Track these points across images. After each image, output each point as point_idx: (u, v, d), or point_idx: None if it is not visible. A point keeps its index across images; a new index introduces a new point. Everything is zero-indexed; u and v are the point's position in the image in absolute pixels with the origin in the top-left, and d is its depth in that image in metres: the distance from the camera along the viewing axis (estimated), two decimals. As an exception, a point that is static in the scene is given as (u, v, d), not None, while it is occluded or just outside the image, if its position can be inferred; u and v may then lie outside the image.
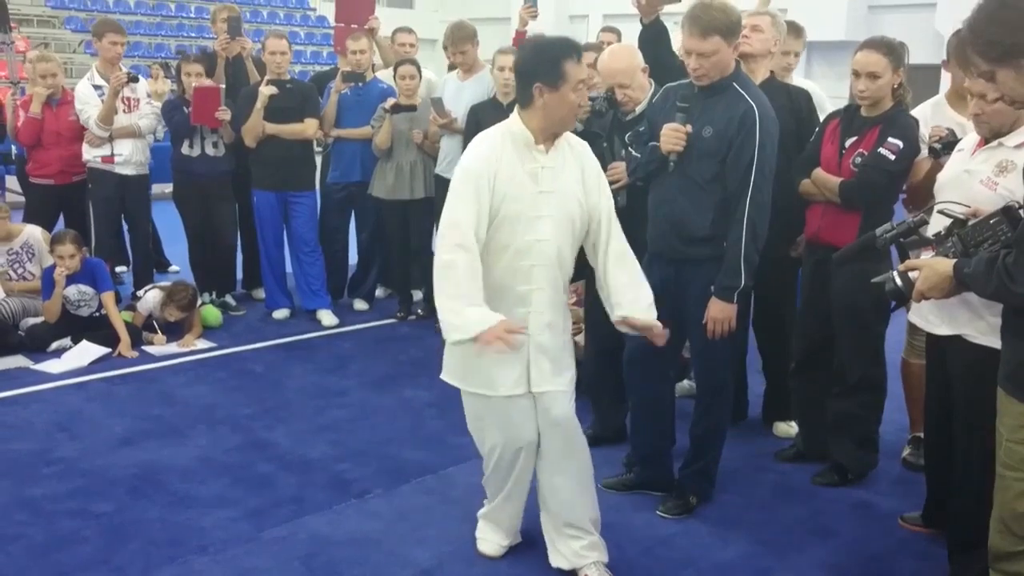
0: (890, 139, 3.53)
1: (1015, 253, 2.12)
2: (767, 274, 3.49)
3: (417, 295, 6.68)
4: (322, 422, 4.56)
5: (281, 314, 6.41)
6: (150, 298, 5.84)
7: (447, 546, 3.36)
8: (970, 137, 3.10)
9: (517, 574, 3.15)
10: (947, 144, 3.41)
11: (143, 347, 5.66)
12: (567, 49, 2.82)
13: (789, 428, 4.37)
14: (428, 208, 6.06)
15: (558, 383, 3.00)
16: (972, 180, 2.96)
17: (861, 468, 3.88)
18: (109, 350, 5.49)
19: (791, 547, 3.38)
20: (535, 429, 3.04)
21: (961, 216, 2.53)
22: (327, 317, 6.27)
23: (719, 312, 3.31)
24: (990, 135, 2.95)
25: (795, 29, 4.60)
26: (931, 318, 3.08)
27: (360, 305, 6.74)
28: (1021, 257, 2.11)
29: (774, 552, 3.34)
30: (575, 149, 3.00)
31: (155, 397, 4.90)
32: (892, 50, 3.58)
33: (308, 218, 6.22)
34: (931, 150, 3.50)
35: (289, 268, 6.43)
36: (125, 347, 5.52)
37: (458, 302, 2.77)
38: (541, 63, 2.82)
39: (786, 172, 3.76)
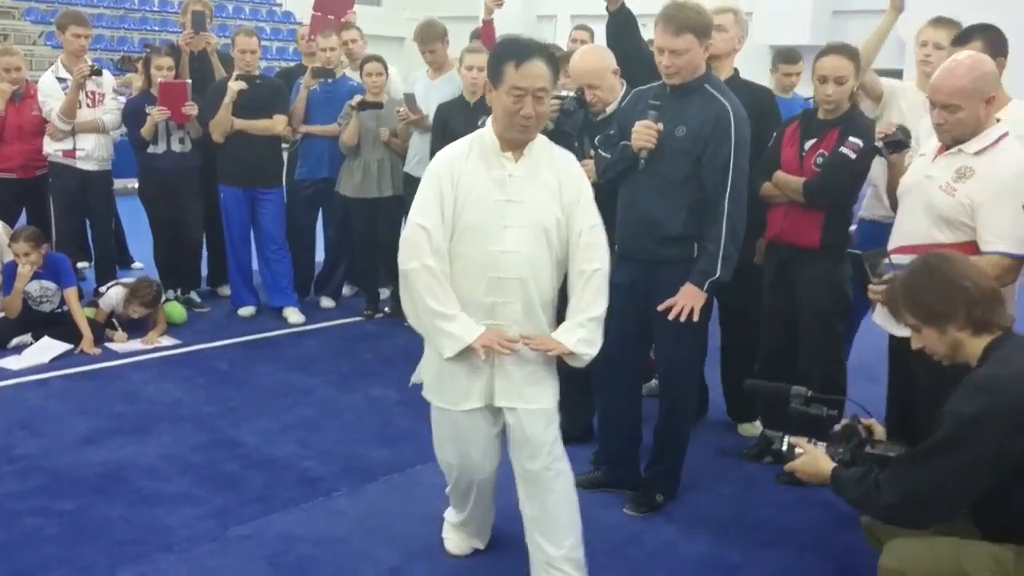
0: (850, 139, 3.60)
1: (888, 471, 2.31)
2: (734, 277, 3.52)
3: (384, 293, 6.66)
4: (288, 420, 4.54)
5: (247, 311, 6.36)
6: (113, 294, 5.77)
7: (414, 544, 3.36)
8: (932, 142, 3.16)
9: (484, 573, 3.16)
10: (895, 142, 3.47)
11: (106, 344, 5.59)
12: (511, 52, 2.71)
13: (753, 428, 4.43)
14: (397, 206, 6.04)
15: (531, 400, 2.84)
16: (932, 185, 3.02)
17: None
18: (71, 346, 5.42)
19: (756, 544, 3.42)
20: (492, 461, 2.98)
21: (858, 429, 2.62)
22: (293, 315, 6.24)
23: (689, 296, 3.33)
24: (952, 143, 3.01)
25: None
26: (895, 320, 3.13)
27: (327, 303, 6.71)
28: (893, 476, 2.28)
29: (740, 549, 3.38)
30: (555, 163, 2.84)
31: (118, 394, 4.84)
32: (855, 55, 3.67)
33: (275, 215, 6.18)
34: (878, 149, 3.56)
35: (255, 265, 6.39)
36: (87, 344, 5.45)
37: (445, 310, 2.72)
38: (490, 62, 2.79)
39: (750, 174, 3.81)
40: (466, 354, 2.75)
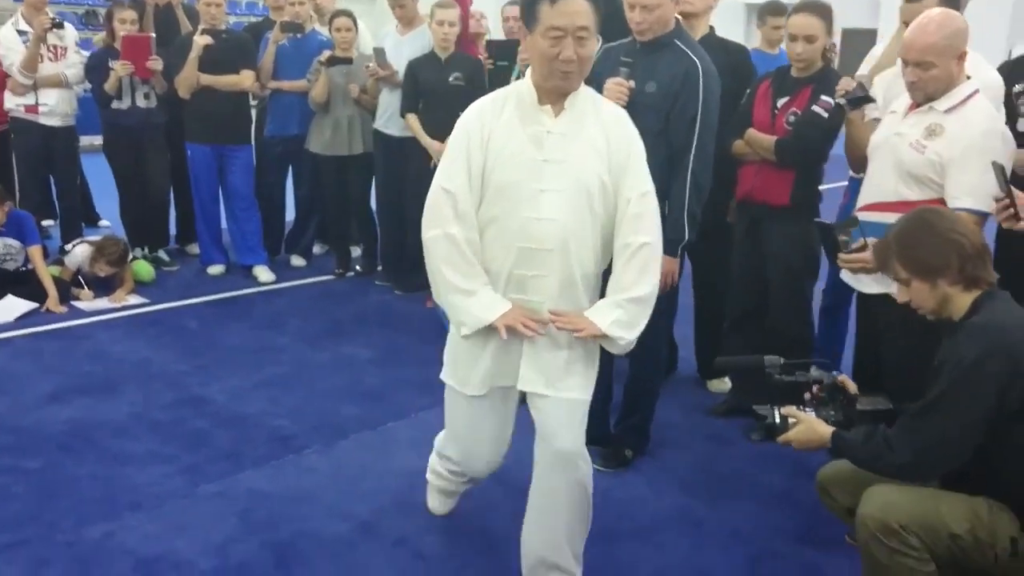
0: (823, 97, 3.59)
1: (895, 428, 2.32)
2: (706, 234, 3.53)
3: (355, 251, 6.62)
4: (258, 378, 4.52)
5: (216, 270, 6.31)
6: (79, 252, 5.69)
7: (386, 500, 3.37)
8: (903, 99, 3.16)
9: (454, 526, 3.17)
10: (856, 99, 3.46)
11: (72, 303, 5.52)
12: None
13: (723, 384, 4.47)
14: (366, 164, 6.00)
15: (561, 389, 2.53)
16: (902, 143, 3.02)
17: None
18: (36, 305, 5.35)
19: (724, 498, 3.46)
20: (497, 457, 2.76)
21: (852, 391, 2.65)
22: (263, 273, 6.19)
23: (663, 266, 3.33)
24: (924, 100, 3.01)
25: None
26: (862, 277, 3.15)
27: (297, 261, 6.66)
28: (902, 432, 2.30)
29: (707, 504, 3.42)
30: (603, 118, 2.49)
31: (85, 353, 4.80)
32: (826, 13, 3.66)
33: (244, 172, 6.11)
34: (836, 106, 3.55)
35: (224, 223, 6.31)
36: (53, 302, 5.38)
37: (466, 284, 2.45)
38: (523, 2, 2.47)
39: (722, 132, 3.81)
40: (486, 333, 2.50)
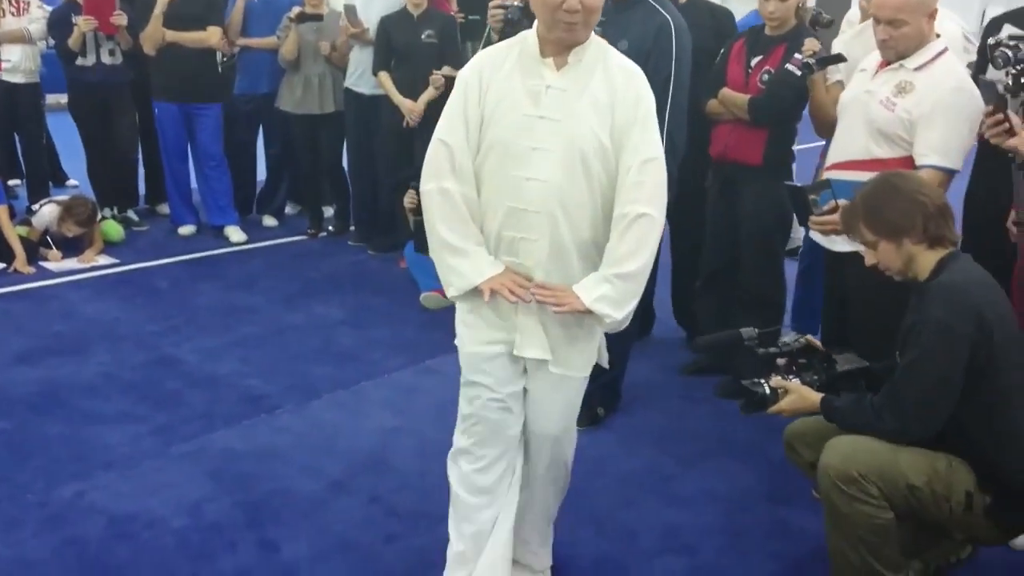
0: (796, 55, 3.59)
1: (880, 398, 2.36)
2: (683, 196, 3.52)
3: (328, 211, 6.57)
4: (230, 339, 4.50)
5: (187, 230, 6.24)
6: (46, 212, 5.61)
7: (358, 458, 3.38)
8: (872, 57, 3.16)
9: (429, 484, 3.19)
10: (824, 59, 3.47)
11: (40, 263, 5.45)
12: None
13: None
14: (338, 122, 5.93)
15: (557, 360, 2.38)
16: (872, 100, 3.03)
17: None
18: (3, 266, 5.28)
19: (695, 454, 3.51)
20: (518, 402, 2.45)
21: (823, 350, 2.70)
22: (235, 233, 6.13)
23: None
24: (895, 59, 3.02)
25: None
26: (833, 237, 3.18)
27: (269, 221, 6.61)
28: (886, 399, 2.34)
29: (678, 460, 3.46)
30: (612, 76, 2.28)
31: (54, 314, 4.75)
32: None
33: (213, 131, 6.01)
34: (804, 66, 3.55)
35: (194, 183, 6.24)
36: (21, 263, 5.31)
37: (458, 242, 2.31)
38: None
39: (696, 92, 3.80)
40: (483, 298, 2.33)
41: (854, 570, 2.35)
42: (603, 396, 3.74)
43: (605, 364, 2.51)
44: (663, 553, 2.88)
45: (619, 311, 2.26)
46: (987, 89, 2.71)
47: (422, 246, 4.94)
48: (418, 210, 4.82)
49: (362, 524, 2.97)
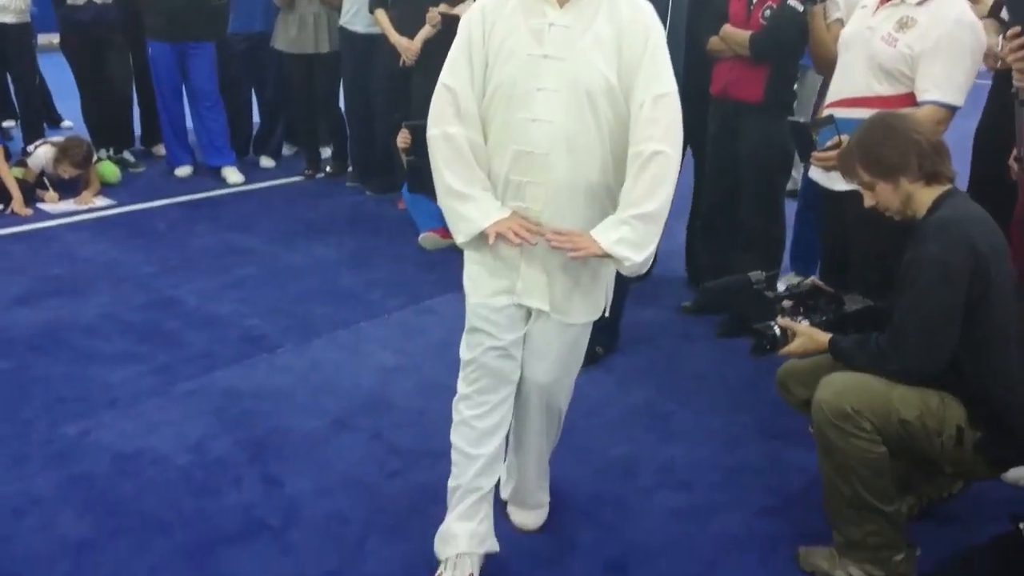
0: (798, -10, 3.54)
1: (887, 337, 2.36)
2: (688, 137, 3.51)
3: (325, 152, 6.54)
4: (229, 280, 4.51)
5: (183, 171, 6.22)
6: (41, 154, 5.58)
7: (359, 397, 3.41)
8: (873, -7, 3.12)
9: (430, 422, 3.23)
10: None
11: (37, 205, 5.44)
12: None
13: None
14: (333, 62, 5.87)
15: (559, 308, 2.35)
16: (874, 37, 2.99)
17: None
18: (1, 207, 5.27)
19: (692, 392, 3.54)
20: (519, 348, 2.40)
21: (831, 291, 2.70)
22: (232, 174, 6.11)
23: None
24: (895, -5, 2.98)
25: None
26: (833, 175, 3.17)
27: (266, 162, 6.58)
28: (891, 339, 2.35)
29: (675, 398, 3.49)
30: (618, 12, 2.19)
31: (53, 255, 4.75)
32: None
33: (207, 70, 5.95)
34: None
35: (190, 123, 6.20)
36: (18, 204, 5.30)
37: (463, 187, 2.25)
38: None
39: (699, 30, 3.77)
40: (487, 242, 2.28)
41: (847, 503, 2.39)
42: (602, 336, 3.75)
43: (607, 313, 2.50)
44: (660, 489, 2.92)
45: (639, 253, 2.20)
46: (1016, 7, 2.62)
47: (415, 186, 4.92)
48: (410, 150, 4.80)
49: (364, 461, 3.01)
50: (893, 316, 2.36)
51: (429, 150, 2.30)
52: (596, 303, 2.43)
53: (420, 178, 4.68)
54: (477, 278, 2.39)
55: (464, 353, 2.42)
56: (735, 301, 3.96)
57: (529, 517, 2.72)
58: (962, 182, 2.59)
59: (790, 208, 4.16)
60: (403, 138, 4.85)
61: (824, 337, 2.50)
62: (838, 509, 2.43)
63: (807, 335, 2.54)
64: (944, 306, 2.26)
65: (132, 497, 2.77)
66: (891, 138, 2.37)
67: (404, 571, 2.48)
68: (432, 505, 2.65)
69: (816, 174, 3.31)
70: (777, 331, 2.57)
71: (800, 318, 2.62)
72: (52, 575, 2.43)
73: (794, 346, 2.55)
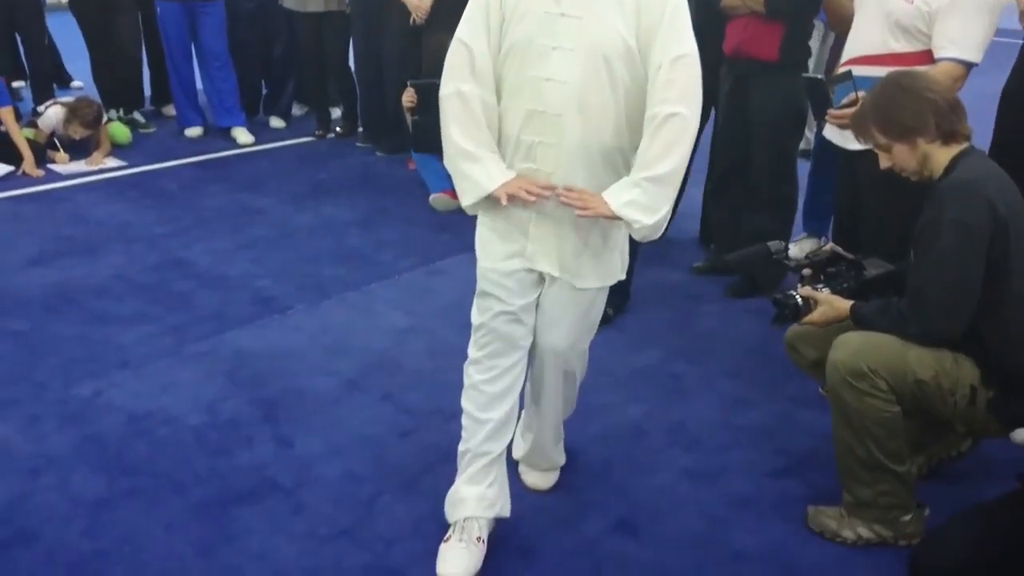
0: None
1: (907, 301, 2.35)
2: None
3: (335, 112, 6.50)
4: (241, 240, 4.51)
5: (194, 132, 6.20)
6: (52, 114, 5.57)
7: (370, 357, 3.43)
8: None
9: (440, 382, 3.24)
10: None
11: (48, 166, 5.44)
12: None
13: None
14: (343, 21, 5.82)
15: (570, 274, 2.32)
16: (890, -5, 2.94)
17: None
18: (12, 168, 5.28)
19: (702, 353, 3.54)
20: (530, 314, 2.39)
21: (851, 257, 2.68)
22: (242, 135, 6.09)
23: None
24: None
25: None
26: (847, 133, 3.13)
27: (276, 123, 6.56)
28: (912, 303, 2.33)
29: (686, 358, 3.49)
30: None
31: (65, 216, 4.76)
32: None
33: (216, 30, 5.91)
34: None
35: (200, 84, 6.17)
36: (29, 165, 5.30)
37: (471, 147, 2.21)
38: None
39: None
40: (494, 205, 2.26)
41: (860, 463, 2.40)
42: (613, 296, 3.74)
43: (622, 276, 2.47)
44: (670, 449, 2.93)
45: (650, 216, 2.14)
46: None
47: (420, 146, 4.91)
48: (415, 109, 4.79)
49: (375, 420, 3.02)
50: (911, 280, 2.35)
51: (440, 107, 2.24)
52: (609, 268, 2.39)
53: (425, 138, 4.68)
54: (487, 242, 2.37)
55: (474, 317, 2.41)
56: (754, 270, 3.95)
57: (541, 478, 2.73)
58: (981, 142, 2.55)
59: (803, 168, 4.12)
60: (408, 97, 4.83)
61: (845, 305, 2.49)
62: (851, 469, 2.43)
63: (828, 303, 2.52)
64: (964, 268, 2.24)
65: (146, 457, 2.80)
66: (906, 99, 2.34)
67: (415, 529, 2.51)
68: (443, 464, 2.67)
69: (830, 133, 3.28)
70: (799, 300, 2.55)
71: (820, 286, 2.60)
72: (68, 533, 2.46)
73: (815, 315, 2.53)
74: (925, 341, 2.34)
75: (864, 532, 2.46)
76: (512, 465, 2.68)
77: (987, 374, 2.32)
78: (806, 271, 2.66)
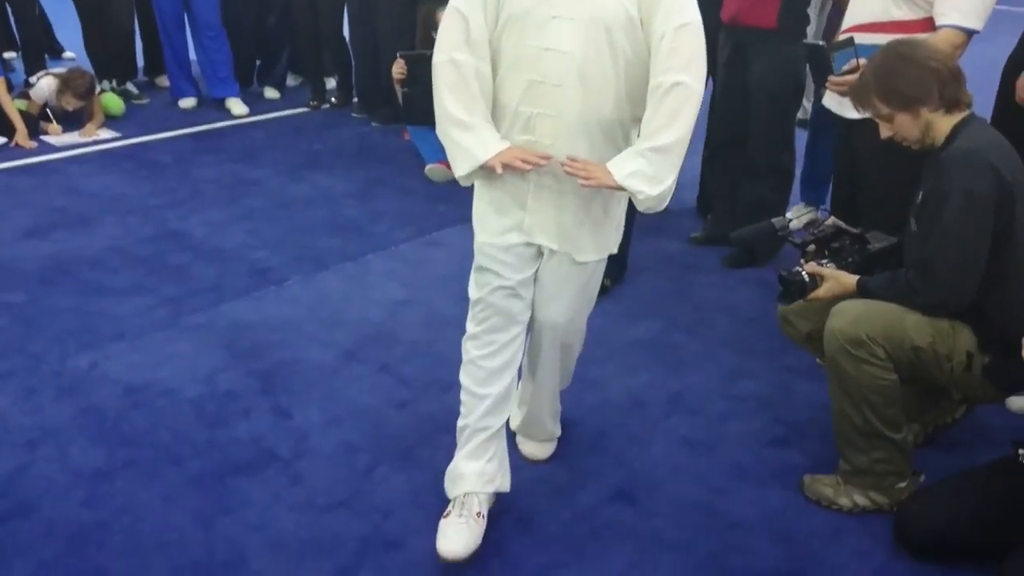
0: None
1: (912, 273, 2.34)
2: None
3: (330, 83, 6.46)
4: (236, 212, 4.49)
5: (187, 103, 6.15)
6: (44, 85, 5.52)
7: (367, 328, 3.42)
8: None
9: (437, 353, 3.24)
10: None
11: (41, 137, 5.40)
12: None
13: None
14: (339, -11, 5.76)
15: (567, 247, 2.30)
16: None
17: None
18: (5, 140, 5.24)
19: (700, 323, 3.54)
20: (528, 288, 2.38)
21: (855, 231, 2.66)
22: (236, 106, 6.05)
23: None
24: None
25: None
26: (846, 102, 3.11)
27: (271, 93, 6.51)
28: (920, 274, 2.32)
29: (684, 329, 3.49)
30: None
31: (59, 188, 4.73)
32: None
33: (210, 0, 5.84)
34: None
35: (193, 54, 6.11)
36: (22, 137, 5.26)
37: (465, 116, 2.18)
38: None
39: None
40: (489, 176, 2.24)
41: (857, 431, 2.40)
42: (610, 267, 3.73)
43: (615, 249, 2.45)
44: (668, 419, 2.93)
45: (654, 187, 2.11)
46: None
47: (411, 118, 4.89)
48: (405, 81, 4.75)
49: (372, 391, 3.02)
50: (915, 251, 2.33)
51: (433, 75, 2.21)
52: (607, 240, 2.38)
53: (416, 110, 4.66)
54: (484, 216, 2.35)
55: (472, 292, 2.40)
56: (756, 247, 3.94)
57: (538, 448, 2.74)
58: (981, 110, 2.54)
59: (800, 138, 4.10)
60: (399, 69, 4.80)
61: (851, 280, 2.48)
62: (848, 437, 2.44)
63: (834, 279, 2.51)
64: (972, 237, 2.24)
65: (143, 429, 2.80)
66: (909, 68, 2.31)
67: (413, 499, 2.51)
68: (440, 435, 2.68)
69: (829, 101, 3.26)
70: (805, 277, 2.54)
71: (826, 262, 2.59)
72: (67, 504, 2.46)
73: (822, 291, 2.52)
74: (935, 312, 2.34)
75: (860, 500, 2.47)
76: (510, 436, 2.69)
77: (984, 341, 2.32)
78: (810, 247, 2.66)
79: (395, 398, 2.99)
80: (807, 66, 3.84)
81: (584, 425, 2.88)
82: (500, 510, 2.46)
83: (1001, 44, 3.33)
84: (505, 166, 2.15)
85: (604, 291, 3.64)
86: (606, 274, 3.65)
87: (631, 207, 2.36)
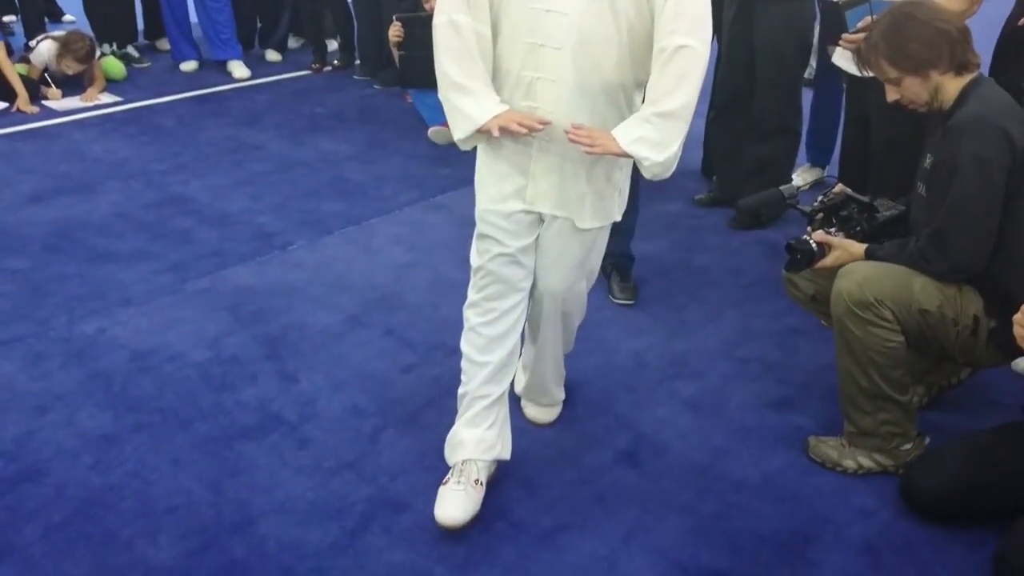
0: None
1: (924, 241, 2.32)
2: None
3: (332, 45, 6.40)
4: (240, 176, 4.48)
5: (189, 66, 6.12)
6: (44, 49, 5.48)
7: (372, 293, 3.42)
8: None
9: (442, 317, 3.24)
10: None
11: (42, 102, 5.38)
12: None
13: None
14: (339, -51, 5.69)
15: (568, 210, 2.28)
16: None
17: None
18: (6, 105, 5.21)
19: (704, 285, 3.53)
20: (529, 255, 2.36)
21: (863, 199, 2.63)
22: (238, 69, 6.01)
23: None
24: None
25: None
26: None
27: (272, 56, 6.46)
28: (931, 243, 2.31)
29: (688, 291, 3.49)
30: None
31: (61, 153, 4.72)
32: None
33: (210, -40, 5.79)
34: None
35: (194, 17, 6.06)
36: (23, 102, 5.24)
37: (464, 79, 2.15)
38: None
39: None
40: (490, 139, 2.20)
41: (862, 393, 2.41)
42: (618, 263, 3.69)
43: (618, 218, 2.41)
44: (672, 381, 2.94)
45: (660, 153, 2.06)
46: None
47: (408, 80, 4.85)
48: (402, 44, 4.71)
49: (378, 355, 3.03)
50: (924, 216, 2.32)
51: (433, 36, 2.18)
52: (609, 208, 2.35)
53: (413, 72, 4.62)
54: (486, 183, 2.33)
55: (473, 259, 2.39)
56: (763, 213, 3.92)
57: (543, 412, 2.75)
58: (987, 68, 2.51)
59: (806, 97, 4.07)
60: (395, 31, 4.75)
61: (859, 248, 2.47)
62: (853, 398, 2.45)
63: (842, 247, 2.50)
64: (985, 203, 2.22)
65: (152, 394, 2.81)
66: (918, 30, 2.28)
67: (419, 462, 2.53)
68: (445, 398, 2.69)
69: (839, 59, 3.22)
70: (813, 246, 2.53)
71: (834, 230, 2.58)
72: (76, 468, 2.48)
73: (829, 259, 2.51)
74: (947, 278, 2.33)
75: (865, 461, 2.48)
76: (514, 400, 2.70)
77: (990, 305, 2.32)
78: (819, 216, 2.64)
79: (400, 362, 3.00)
80: (815, 24, 3.81)
81: (589, 387, 2.89)
82: (505, 473, 2.48)
83: (999, 2, 3.28)
84: (502, 130, 2.13)
85: (632, 292, 3.55)
86: (623, 276, 3.54)
87: (635, 177, 2.34)
